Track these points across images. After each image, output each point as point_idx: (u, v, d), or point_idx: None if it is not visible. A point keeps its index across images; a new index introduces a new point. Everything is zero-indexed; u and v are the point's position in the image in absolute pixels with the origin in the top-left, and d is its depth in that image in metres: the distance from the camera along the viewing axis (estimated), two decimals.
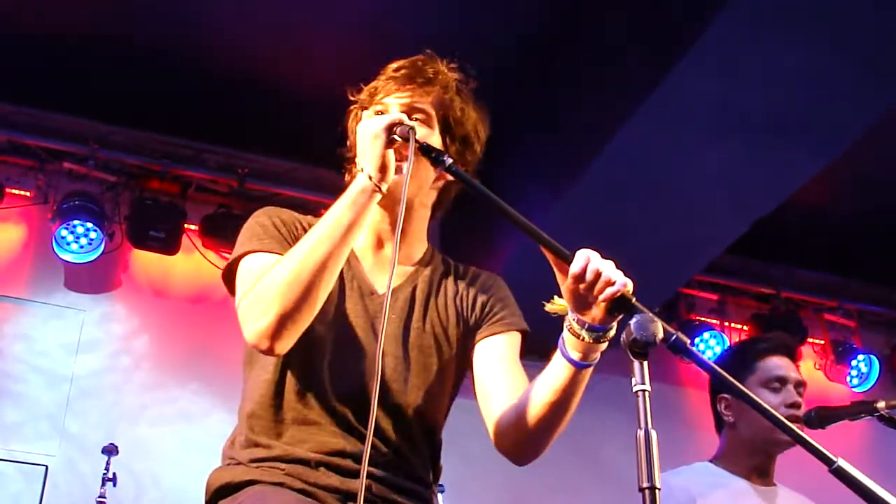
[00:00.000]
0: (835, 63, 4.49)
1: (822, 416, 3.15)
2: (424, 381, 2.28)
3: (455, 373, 2.36)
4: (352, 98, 2.42)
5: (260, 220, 2.32)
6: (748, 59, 4.49)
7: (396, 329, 2.27)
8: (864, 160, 5.86)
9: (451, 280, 2.43)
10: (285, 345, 2.08)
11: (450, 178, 2.24)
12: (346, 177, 2.39)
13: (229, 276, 2.27)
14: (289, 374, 2.21)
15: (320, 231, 2.09)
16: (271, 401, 2.21)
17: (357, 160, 2.17)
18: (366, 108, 2.36)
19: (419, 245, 2.43)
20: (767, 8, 4.26)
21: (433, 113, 2.33)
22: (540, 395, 2.09)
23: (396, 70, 2.33)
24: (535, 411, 2.10)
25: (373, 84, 2.36)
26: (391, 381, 2.22)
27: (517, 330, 2.39)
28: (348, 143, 2.42)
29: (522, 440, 2.18)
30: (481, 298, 2.41)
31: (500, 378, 2.29)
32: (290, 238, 2.27)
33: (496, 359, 2.33)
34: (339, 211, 2.10)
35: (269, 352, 2.08)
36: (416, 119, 2.27)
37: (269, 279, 2.07)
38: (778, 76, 4.59)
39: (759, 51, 4.46)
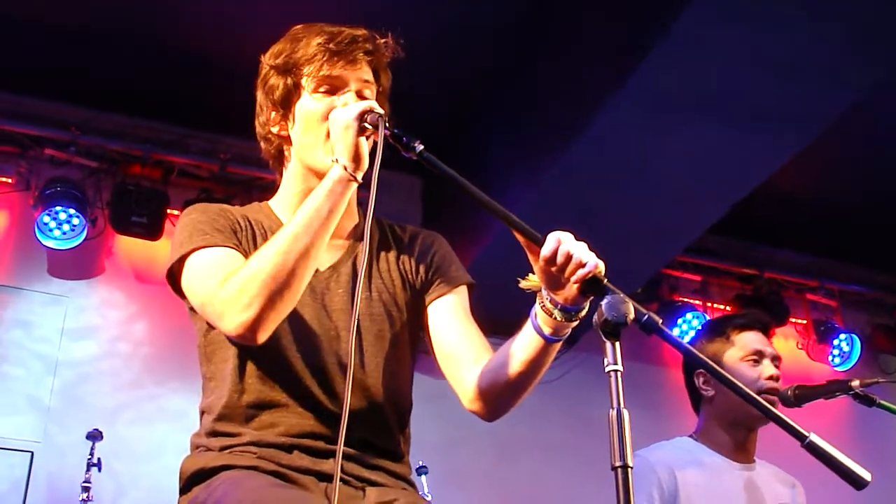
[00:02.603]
0: (810, 46, 4.51)
1: (798, 395, 3.19)
2: (380, 349, 2.29)
3: (410, 336, 2.38)
4: (271, 64, 2.37)
5: (194, 218, 2.31)
6: (723, 43, 4.51)
7: (344, 302, 2.28)
8: (847, 141, 5.89)
9: (391, 245, 2.45)
10: (266, 335, 2.10)
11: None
12: (264, 145, 2.42)
13: (175, 275, 2.27)
14: (249, 362, 2.22)
15: (299, 222, 2.10)
16: (235, 388, 2.22)
17: (321, 150, 2.22)
18: (299, 77, 2.32)
19: (351, 218, 2.42)
20: None
21: (373, 81, 2.36)
22: (511, 364, 2.14)
23: (339, 42, 2.30)
24: (506, 379, 2.16)
25: (309, 51, 2.32)
26: (346, 355, 2.20)
27: (464, 284, 2.43)
28: (265, 110, 2.40)
29: (493, 404, 2.25)
30: (424, 259, 2.43)
31: (459, 340, 2.33)
32: (230, 228, 2.29)
33: (450, 319, 2.36)
34: (316, 201, 2.11)
35: (252, 341, 2.09)
36: (365, 96, 2.29)
37: (250, 271, 2.08)
38: (753, 60, 4.61)
39: (734, 35, 4.47)
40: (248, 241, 2.32)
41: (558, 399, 5.82)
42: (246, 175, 6.37)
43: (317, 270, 2.29)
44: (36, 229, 5.96)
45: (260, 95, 2.42)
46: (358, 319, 2.22)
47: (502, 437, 6.04)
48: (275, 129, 2.39)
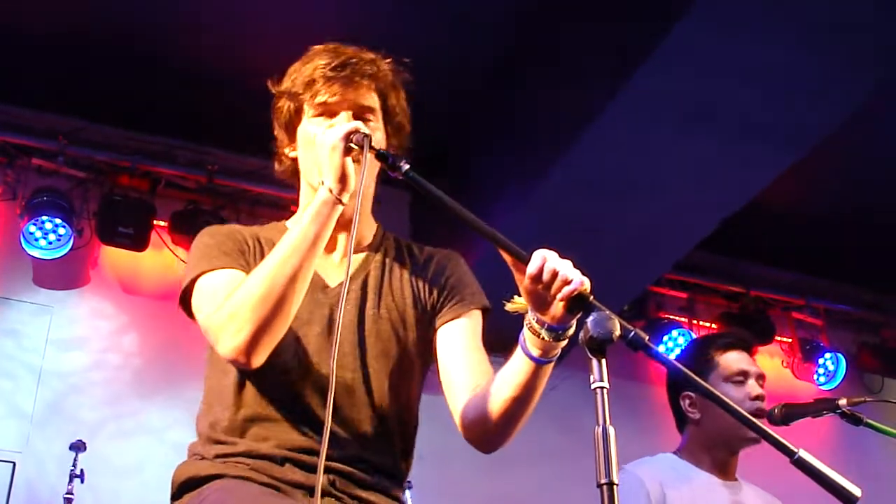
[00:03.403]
0: (803, 60, 4.52)
1: (785, 413, 3.19)
2: (385, 368, 2.29)
3: (419, 356, 2.37)
4: (277, 89, 2.40)
5: (203, 241, 2.35)
6: (716, 56, 4.51)
7: (351, 319, 2.28)
8: (833, 159, 5.91)
9: (405, 262, 2.45)
10: (261, 358, 2.11)
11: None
12: (277, 166, 2.46)
13: (185, 299, 2.29)
14: (249, 377, 2.22)
15: (287, 245, 2.12)
16: (233, 400, 2.23)
17: (316, 172, 2.22)
18: (300, 102, 2.35)
19: (368, 230, 2.44)
20: (735, 5, 4.29)
21: (377, 107, 2.36)
22: (502, 390, 2.11)
23: (336, 68, 2.31)
24: (497, 407, 2.13)
25: (306, 76, 2.34)
26: (351, 372, 2.23)
27: (478, 308, 2.41)
28: (277, 133, 2.44)
29: (487, 433, 2.21)
30: (438, 279, 2.43)
31: (463, 368, 2.31)
32: (237, 249, 2.31)
33: (458, 346, 2.34)
34: (303, 225, 2.13)
35: (246, 365, 2.11)
36: (367, 119, 2.30)
37: (241, 296, 2.10)
38: (746, 73, 4.61)
39: (728, 48, 4.48)
40: (256, 261, 2.31)
41: (550, 409, 5.81)
42: (234, 187, 6.36)
43: (327, 286, 2.31)
44: (22, 239, 5.94)
45: (273, 120, 2.45)
46: (363, 337, 2.26)
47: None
48: (286, 151, 2.43)
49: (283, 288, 2.08)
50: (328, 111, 2.32)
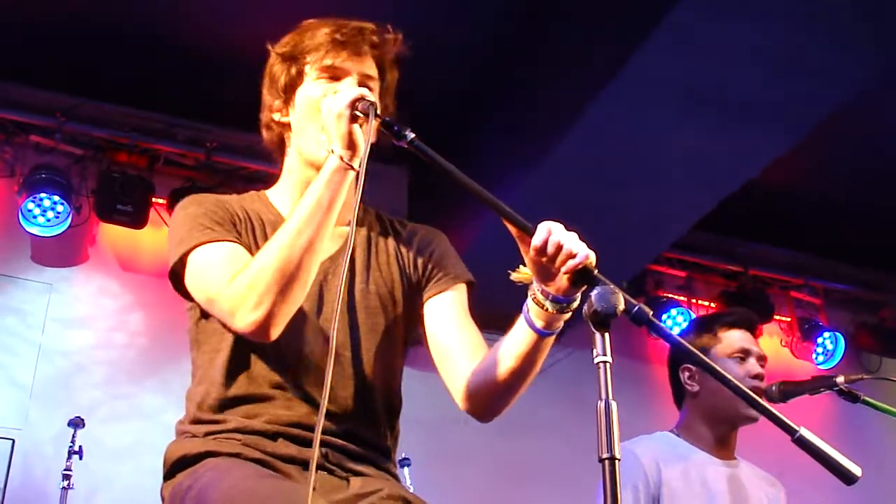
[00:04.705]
0: (802, 42, 4.52)
1: (783, 391, 3.21)
2: (374, 342, 2.28)
3: (404, 331, 2.38)
4: (278, 51, 2.38)
5: (191, 212, 2.29)
6: (715, 37, 4.50)
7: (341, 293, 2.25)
8: (832, 139, 5.90)
9: (390, 237, 2.44)
10: (279, 330, 2.09)
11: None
12: (265, 133, 2.42)
13: (177, 273, 2.24)
14: (239, 354, 2.21)
15: (301, 215, 2.09)
16: (223, 379, 2.21)
17: (309, 136, 2.25)
18: (303, 65, 2.33)
19: (349, 207, 2.40)
20: None
21: (377, 76, 2.35)
22: (504, 361, 2.12)
23: (344, 33, 2.31)
24: (499, 377, 2.14)
25: (314, 40, 2.32)
26: (340, 347, 2.21)
27: (463, 282, 2.41)
28: (269, 98, 2.40)
29: (487, 404, 2.23)
30: (423, 254, 2.42)
31: (455, 338, 2.32)
32: (229, 220, 2.27)
33: (448, 317, 2.35)
34: (316, 192, 2.10)
35: (265, 338, 2.08)
36: (370, 88, 2.27)
37: (258, 266, 2.07)
38: (745, 55, 4.61)
39: (727, 29, 4.47)
40: (247, 232, 2.30)
41: (556, 380, 5.86)
42: (232, 164, 6.35)
43: None
44: (20, 216, 5.93)
45: (264, 85, 2.42)
46: (353, 312, 2.25)
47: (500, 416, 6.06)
48: (276, 117, 2.39)
49: (300, 258, 2.05)
50: (333, 75, 2.30)
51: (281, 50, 2.37)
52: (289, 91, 2.35)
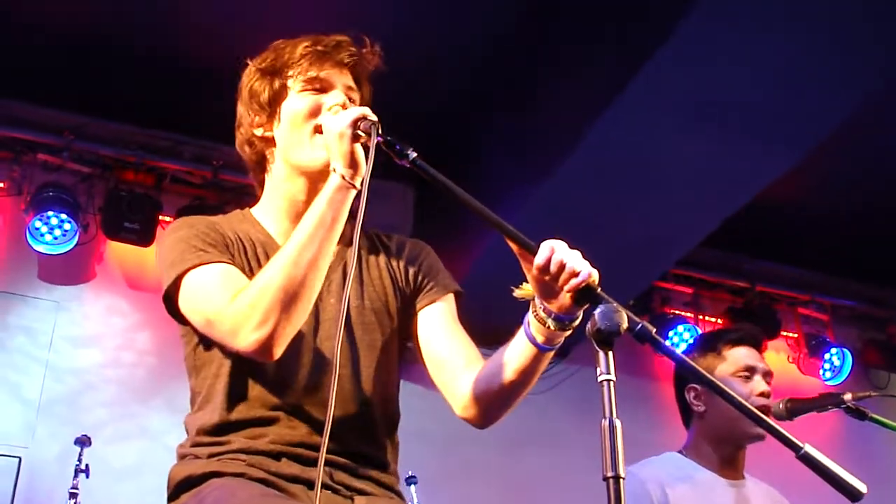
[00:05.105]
0: (810, 56, 4.51)
1: (790, 409, 3.19)
2: (372, 358, 2.28)
3: (399, 345, 2.38)
4: (257, 66, 2.38)
5: (183, 234, 2.26)
6: (723, 51, 4.51)
7: (336, 311, 2.24)
8: (839, 155, 5.90)
9: (380, 252, 2.44)
10: (282, 349, 2.08)
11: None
12: (247, 149, 2.42)
13: (171, 296, 2.21)
14: (240, 376, 2.20)
15: (304, 233, 2.09)
16: (224, 405, 2.20)
17: (300, 150, 2.26)
18: (286, 78, 2.33)
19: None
20: (742, 1, 4.28)
21: (357, 88, 2.36)
22: (504, 372, 2.14)
23: (325, 45, 2.32)
24: (499, 388, 2.16)
25: (294, 53, 2.33)
26: (340, 365, 2.19)
27: (452, 291, 2.43)
28: (248, 114, 2.39)
29: (485, 411, 2.25)
30: (414, 266, 2.43)
31: (449, 346, 2.33)
32: (222, 242, 2.26)
33: (440, 326, 2.37)
34: (318, 211, 2.10)
35: (269, 357, 2.07)
36: (352, 100, 2.30)
37: (260, 286, 2.06)
38: (753, 69, 4.60)
39: (735, 43, 4.47)
40: (240, 254, 2.29)
41: (565, 397, 5.88)
42: (239, 182, 6.35)
43: None
44: (27, 234, 5.95)
45: (242, 102, 2.41)
46: (350, 329, 2.24)
47: (509, 430, 6.06)
48: (258, 132, 2.37)
49: (303, 276, 2.05)
50: (318, 87, 2.31)
51: (261, 65, 2.37)
52: (273, 105, 2.34)
